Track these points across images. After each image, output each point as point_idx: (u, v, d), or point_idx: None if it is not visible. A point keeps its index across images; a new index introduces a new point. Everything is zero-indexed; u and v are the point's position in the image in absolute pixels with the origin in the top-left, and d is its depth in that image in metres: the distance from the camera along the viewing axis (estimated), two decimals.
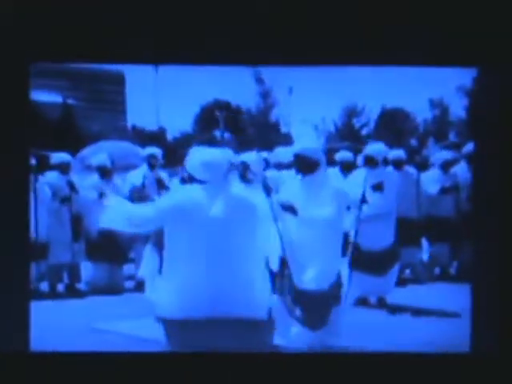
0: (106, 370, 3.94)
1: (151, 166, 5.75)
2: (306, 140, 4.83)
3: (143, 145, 5.61)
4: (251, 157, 5.14)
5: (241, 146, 5.45)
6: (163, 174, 5.87)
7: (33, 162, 5.83)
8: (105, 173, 5.96)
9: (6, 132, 3.97)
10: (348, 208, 4.68)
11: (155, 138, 5.69)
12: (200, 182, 3.59)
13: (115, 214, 3.61)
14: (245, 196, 3.62)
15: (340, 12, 3.90)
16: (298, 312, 4.41)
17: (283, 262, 4.36)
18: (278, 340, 4.19)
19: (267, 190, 4.29)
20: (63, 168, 5.99)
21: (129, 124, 5.84)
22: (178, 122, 5.68)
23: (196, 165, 3.64)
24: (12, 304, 3.98)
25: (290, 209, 4.49)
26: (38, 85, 5.80)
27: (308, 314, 4.43)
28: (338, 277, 4.49)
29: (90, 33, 3.93)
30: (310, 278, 4.53)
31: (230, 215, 3.50)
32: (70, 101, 6.02)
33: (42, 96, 5.88)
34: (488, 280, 3.90)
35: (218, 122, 5.66)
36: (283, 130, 6.06)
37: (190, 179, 3.64)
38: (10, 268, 3.97)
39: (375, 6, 3.84)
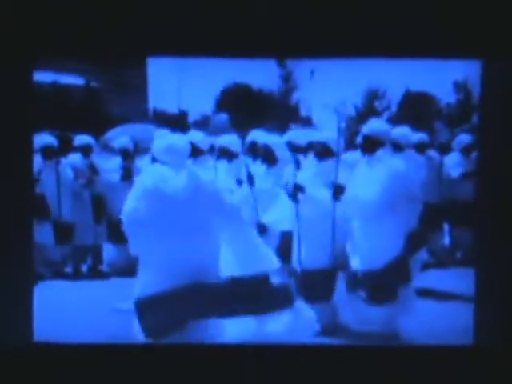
0: (110, 362, 3.99)
1: None
2: (375, 121, 4.90)
3: (165, 128, 5.60)
4: (274, 139, 5.15)
5: (260, 128, 5.40)
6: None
7: (55, 143, 5.96)
8: (127, 155, 6.02)
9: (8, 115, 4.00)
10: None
11: (176, 120, 5.69)
12: (164, 163, 4.00)
13: None
14: (205, 179, 4.05)
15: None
16: (361, 293, 4.50)
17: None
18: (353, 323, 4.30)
19: (250, 179, 4.53)
20: (86, 150, 6.07)
21: (150, 107, 5.83)
22: (199, 104, 5.66)
23: (159, 148, 3.94)
24: (16, 291, 4.04)
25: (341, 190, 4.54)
26: (61, 67, 5.84)
27: (372, 292, 4.49)
28: (399, 255, 4.55)
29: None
30: (363, 258, 4.60)
31: (192, 195, 3.89)
32: (93, 83, 6.03)
33: (66, 79, 5.92)
34: (493, 269, 3.89)
35: (239, 104, 5.64)
36: (303, 113, 6.02)
37: (154, 160, 3.95)
38: (13, 259, 4.03)
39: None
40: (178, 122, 5.72)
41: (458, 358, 3.97)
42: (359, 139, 4.90)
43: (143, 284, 3.91)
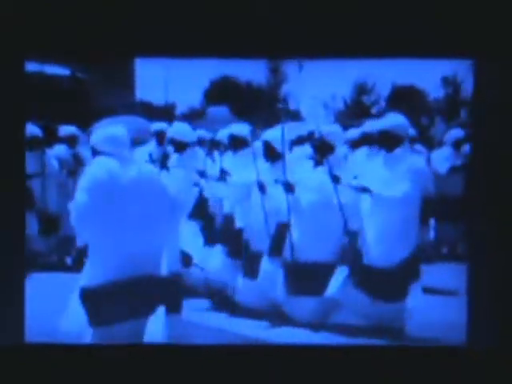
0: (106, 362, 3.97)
1: (160, 142, 5.76)
2: (393, 116, 4.83)
3: (152, 120, 5.59)
4: (272, 134, 5.14)
5: (248, 121, 5.39)
6: (171, 150, 5.91)
7: (40, 134, 5.91)
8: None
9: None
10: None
11: (164, 113, 5.66)
12: (105, 154, 4.04)
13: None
14: (151, 172, 4.16)
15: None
16: (369, 289, 4.49)
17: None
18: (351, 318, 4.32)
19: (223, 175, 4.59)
20: (71, 141, 6.03)
21: (137, 99, 5.79)
22: (187, 97, 5.63)
23: (99, 138, 4.09)
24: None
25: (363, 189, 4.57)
26: (47, 57, 5.77)
27: (379, 289, 4.52)
28: (413, 253, 4.56)
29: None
30: (379, 255, 4.60)
31: (138, 188, 3.96)
32: (79, 74, 5.97)
33: (51, 69, 5.85)
34: (486, 266, 3.89)
35: (227, 97, 5.62)
36: (292, 106, 6.00)
37: (94, 152, 4.10)
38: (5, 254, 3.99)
39: None
40: (164, 114, 5.71)
41: (452, 356, 3.98)
42: (374, 135, 4.92)
43: (89, 274, 3.95)
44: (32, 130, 5.93)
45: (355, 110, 6.16)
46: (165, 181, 4.28)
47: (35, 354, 3.98)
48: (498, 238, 3.94)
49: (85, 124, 5.91)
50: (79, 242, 4.11)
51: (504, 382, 3.83)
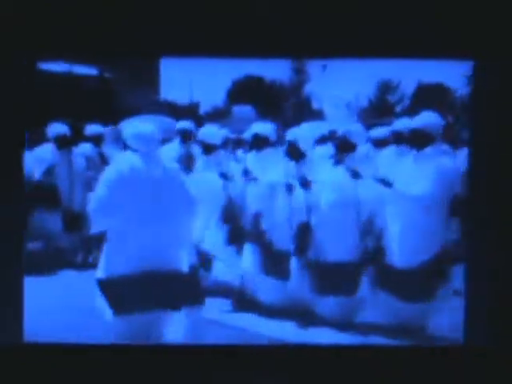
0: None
1: (184, 140, 5.82)
2: (427, 114, 4.85)
3: (175, 119, 5.65)
4: (295, 133, 5.17)
5: (272, 121, 5.42)
6: (196, 148, 5.96)
7: (68, 132, 6.01)
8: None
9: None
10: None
11: (188, 112, 5.72)
12: (134, 150, 4.17)
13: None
14: (173, 170, 4.25)
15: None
16: (394, 290, 4.52)
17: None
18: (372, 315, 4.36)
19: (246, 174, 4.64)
20: (97, 140, 6.12)
21: (161, 98, 5.85)
22: (211, 96, 5.67)
23: (129, 134, 3.97)
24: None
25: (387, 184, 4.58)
26: (74, 57, 5.86)
27: (402, 289, 4.54)
28: (438, 254, 4.56)
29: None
30: (402, 255, 4.61)
31: (159, 185, 4.06)
32: (106, 74, 6.06)
33: (79, 69, 5.94)
34: (483, 266, 3.87)
35: (250, 96, 5.65)
36: (315, 106, 6.01)
37: (125, 147, 4.25)
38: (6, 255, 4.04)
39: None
40: (188, 114, 5.76)
41: (449, 356, 3.97)
42: (405, 133, 4.91)
43: (105, 266, 4.07)
44: (60, 128, 6.04)
45: (379, 109, 6.14)
46: (187, 181, 4.37)
47: (34, 354, 4.04)
48: (497, 238, 3.92)
49: (110, 123, 6.03)
50: (92, 230, 4.18)
51: (502, 382, 3.81)
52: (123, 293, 4.00)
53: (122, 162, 4.15)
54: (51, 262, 5.63)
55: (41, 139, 6.06)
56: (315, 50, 4.12)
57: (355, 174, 4.74)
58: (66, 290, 4.98)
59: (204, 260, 4.97)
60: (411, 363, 4.03)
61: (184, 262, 4.19)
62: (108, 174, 4.11)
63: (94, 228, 4.18)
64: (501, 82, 3.89)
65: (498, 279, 3.95)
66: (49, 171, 5.96)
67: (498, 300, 3.94)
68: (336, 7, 3.90)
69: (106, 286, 4.03)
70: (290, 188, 4.97)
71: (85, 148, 6.11)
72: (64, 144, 6.02)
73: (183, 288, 4.12)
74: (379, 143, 5.78)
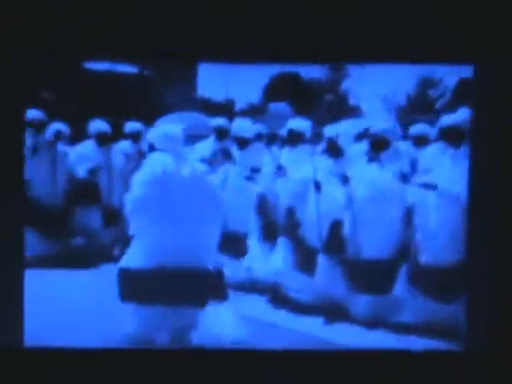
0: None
1: (219, 137, 5.86)
2: (464, 111, 4.75)
3: (211, 116, 5.70)
4: (338, 129, 5.16)
5: (308, 117, 5.42)
6: (231, 145, 5.99)
7: (109, 130, 6.13)
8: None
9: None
10: None
11: (223, 109, 5.76)
12: (161, 150, 4.25)
13: None
14: (204, 173, 4.32)
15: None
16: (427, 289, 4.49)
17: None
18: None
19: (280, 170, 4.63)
20: (135, 137, 6.21)
21: (199, 95, 5.91)
22: (246, 93, 5.70)
23: (155, 135, 4.36)
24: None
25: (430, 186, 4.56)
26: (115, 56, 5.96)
27: (434, 289, 4.49)
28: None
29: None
30: (436, 253, 4.56)
31: (191, 186, 4.14)
32: (146, 72, 6.15)
33: (120, 67, 6.04)
34: (483, 269, 3.79)
35: (287, 93, 5.65)
36: (352, 102, 5.96)
37: (151, 148, 4.34)
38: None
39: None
40: (224, 111, 5.79)
41: (450, 361, 3.91)
42: (441, 130, 4.85)
43: (130, 257, 4.17)
44: (101, 125, 6.16)
45: (419, 105, 6.05)
46: (215, 180, 4.45)
47: (34, 357, 4.09)
48: (498, 238, 3.84)
49: (148, 120, 6.11)
50: (131, 232, 4.26)
51: None
52: (142, 285, 4.07)
53: (154, 162, 4.23)
54: (93, 257, 5.76)
55: (83, 136, 6.20)
56: (352, 55, 4.10)
57: (403, 177, 4.70)
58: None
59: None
60: (412, 366, 3.98)
61: (210, 259, 4.23)
62: (143, 174, 4.20)
63: (132, 229, 4.25)
64: (501, 84, 3.81)
65: (497, 279, 3.87)
66: (94, 170, 6.08)
67: (500, 302, 3.85)
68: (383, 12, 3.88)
69: (124, 274, 4.13)
70: (318, 186, 4.96)
71: (124, 145, 6.21)
72: (104, 141, 6.14)
73: (208, 285, 4.16)
74: (419, 140, 5.72)
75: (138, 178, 4.22)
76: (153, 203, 4.14)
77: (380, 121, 5.22)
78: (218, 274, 4.25)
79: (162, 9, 4.02)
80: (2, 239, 4.03)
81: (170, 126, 4.45)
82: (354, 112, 5.74)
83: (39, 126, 6.06)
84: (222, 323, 4.15)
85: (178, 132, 4.39)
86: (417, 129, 5.85)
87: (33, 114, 5.95)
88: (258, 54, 4.10)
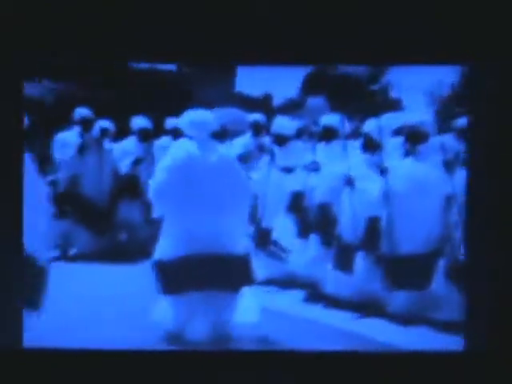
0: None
1: (256, 133, 5.85)
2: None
3: (248, 111, 5.71)
4: (376, 124, 5.09)
5: (346, 112, 5.36)
6: (267, 140, 5.97)
7: (150, 126, 6.22)
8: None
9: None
10: None
11: (261, 104, 5.76)
12: (189, 137, 4.26)
13: None
14: (231, 159, 4.34)
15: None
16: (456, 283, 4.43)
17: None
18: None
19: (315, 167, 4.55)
20: (174, 133, 6.24)
21: (236, 90, 5.91)
22: (284, 88, 5.68)
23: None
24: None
25: None
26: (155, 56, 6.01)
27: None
28: None
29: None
30: None
31: (217, 173, 4.15)
32: (185, 69, 6.19)
33: (160, 65, 6.10)
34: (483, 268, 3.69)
35: (324, 87, 5.60)
36: (394, 95, 5.86)
37: (179, 134, 4.40)
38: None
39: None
40: (261, 106, 5.78)
41: (450, 361, 3.83)
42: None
43: (162, 248, 4.20)
44: (143, 122, 6.26)
45: (463, 97, 5.89)
46: (254, 175, 4.43)
47: (33, 359, 4.13)
48: (498, 238, 3.75)
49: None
50: (154, 214, 4.32)
51: None
52: (176, 274, 4.12)
53: (178, 149, 4.27)
54: (135, 252, 5.84)
55: (126, 132, 6.30)
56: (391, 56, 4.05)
57: (447, 165, 4.63)
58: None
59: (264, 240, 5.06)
60: (409, 370, 3.92)
61: (238, 246, 4.23)
62: (165, 160, 4.25)
63: (155, 212, 4.31)
64: (500, 83, 3.71)
65: (498, 279, 3.77)
66: (137, 161, 6.19)
67: (499, 300, 3.76)
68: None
69: (160, 267, 4.19)
70: (351, 181, 4.91)
71: (165, 141, 6.27)
72: (146, 137, 6.22)
73: (236, 271, 4.18)
74: (463, 133, 5.57)
75: (161, 164, 4.27)
76: (175, 189, 4.16)
77: (421, 114, 5.11)
78: (245, 259, 4.22)
79: (197, 12, 4.05)
80: (2, 239, 4.10)
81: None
82: (395, 105, 5.64)
83: (86, 124, 6.19)
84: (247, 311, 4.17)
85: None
86: (461, 122, 5.73)
87: (80, 112, 6.10)
88: (293, 56, 4.08)
